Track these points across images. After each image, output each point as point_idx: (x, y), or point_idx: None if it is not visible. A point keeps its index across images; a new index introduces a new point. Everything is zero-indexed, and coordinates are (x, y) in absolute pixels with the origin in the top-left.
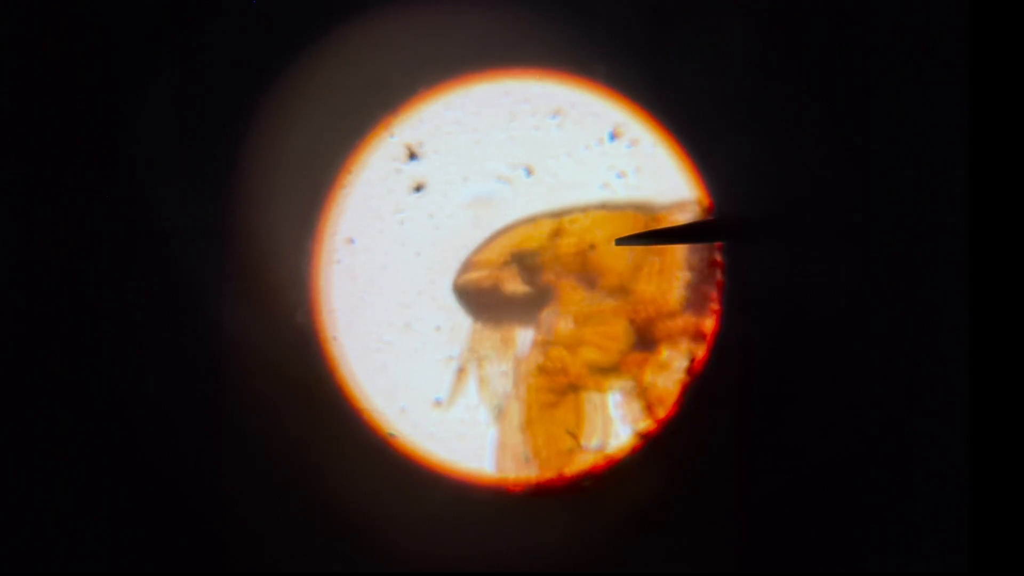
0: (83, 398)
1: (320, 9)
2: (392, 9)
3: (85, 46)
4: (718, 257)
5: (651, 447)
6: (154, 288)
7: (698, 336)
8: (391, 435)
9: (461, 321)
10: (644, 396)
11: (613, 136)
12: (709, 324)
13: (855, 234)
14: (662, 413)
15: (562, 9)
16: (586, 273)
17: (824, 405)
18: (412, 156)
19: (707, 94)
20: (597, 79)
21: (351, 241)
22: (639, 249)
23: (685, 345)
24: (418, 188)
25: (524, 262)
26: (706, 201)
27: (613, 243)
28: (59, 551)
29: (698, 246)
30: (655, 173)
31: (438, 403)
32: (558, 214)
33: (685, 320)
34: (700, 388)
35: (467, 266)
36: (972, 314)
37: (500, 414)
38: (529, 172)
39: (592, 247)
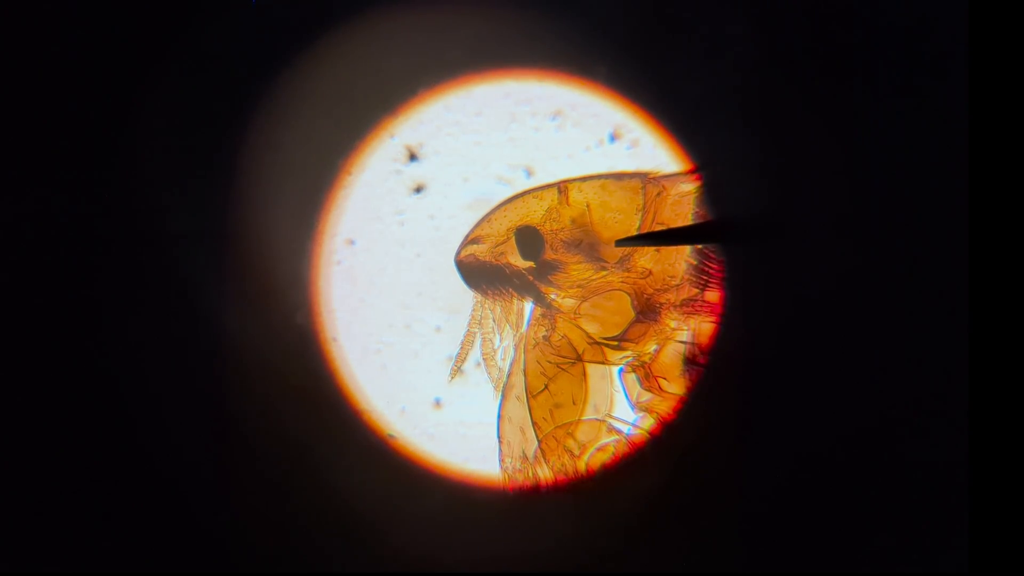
0: (82, 399)
1: (319, 9)
2: (392, 9)
3: (83, 48)
4: (718, 255)
5: (652, 445)
6: (153, 289)
7: (701, 309)
8: (391, 436)
9: (461, 312)
10: (646, 369)
11: (614, 137)
12: (712, 297)
13: (856, 233)
14: (665, 386)
15: (562, 10)
16: (588, 245)
17: (823, 405)
18: (412, 157)
19: (708, 95)
20: (597, 80)
21: (351, 242)
22: (642, 222)
23: (688, 317)
24: (418, 189)
25: (526, 235)
26: (706, 199)
27: (616, 215)
28: (59, 551)
29: (699, 245)
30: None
31: (438, 403)
32: (560, 187)
33: (688, 292)
34: (700, 386)
35: (469, 240)
36: (972, 313)
37: (503, 387)
38: (529, 174)
39: (594, 218)
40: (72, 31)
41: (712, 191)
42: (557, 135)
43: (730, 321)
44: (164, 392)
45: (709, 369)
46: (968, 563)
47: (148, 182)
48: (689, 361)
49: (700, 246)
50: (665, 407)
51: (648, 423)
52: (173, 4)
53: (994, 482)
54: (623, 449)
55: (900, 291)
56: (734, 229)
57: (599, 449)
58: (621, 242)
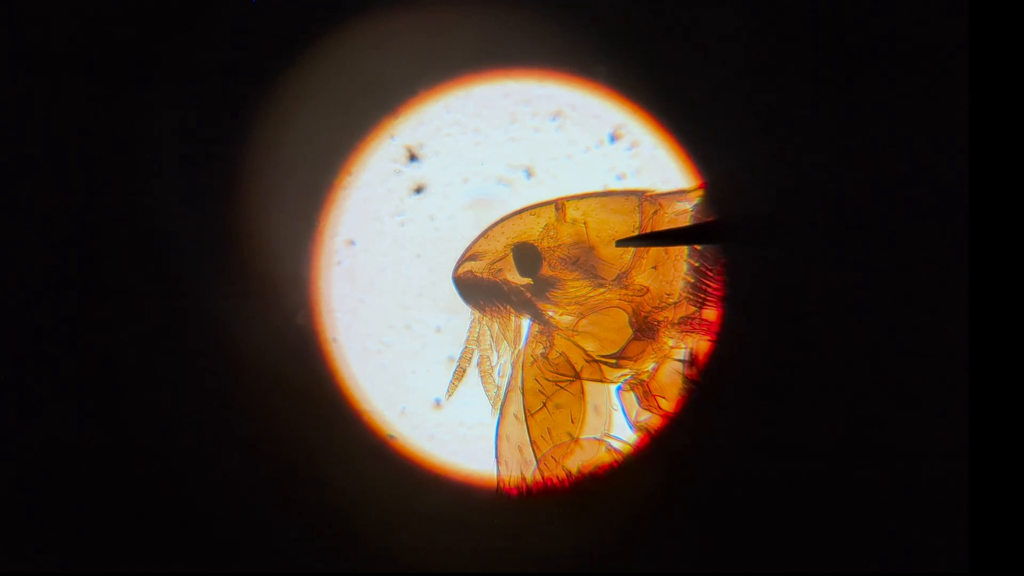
0: (82, 400)
1: (320, 9)
2: (392, 9)
3: (85, 48)
4: (719, 255)
5: (651, 446)
6: (154, 290)
7: (698, 327)
8: (391, 437)
9: (461, 312)
10: (644, 387)
11: (614, 138)
12: (710, 315)
13: (855, 233)
14: (663, 405)
15: (563, 10)
16: (586, 262)
17: (823, 405)
18: (412, 158)
19: (708, 95)
20: (598, 80)
21: (351, 243)
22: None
23: (685, 336)
24: (418, 190)
25: (523, 252)
26: (706, 201)
27: (613, 233)
28: (59, 551)
29: (699, 246)
30: (656, 175)
31: (438, 403)
32: (558, 204)
33: (685, 310)
34: (700, 386)
35: (466, 256)
36: (972, 314)
37: (501, 405)
38: (529, 174)
39: (592, 236)
40: (73, 31)
41: (712, 192)
42: (557, 135)
43: (729, 320)
44: (164, 392)
45: (707, 367)
46: (968, 563)
47: (149, 182)
48: (686, 379)
49: (697, 263)
50: (663, 416)
51: (647, 419)
52: (174, 4)
53: (994, 482)
54: (622, 450)
55: (900, 291)
56: (734, 231)
57: (598, 447)
58: (622, 242)
